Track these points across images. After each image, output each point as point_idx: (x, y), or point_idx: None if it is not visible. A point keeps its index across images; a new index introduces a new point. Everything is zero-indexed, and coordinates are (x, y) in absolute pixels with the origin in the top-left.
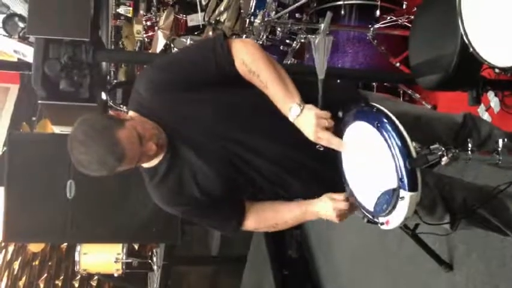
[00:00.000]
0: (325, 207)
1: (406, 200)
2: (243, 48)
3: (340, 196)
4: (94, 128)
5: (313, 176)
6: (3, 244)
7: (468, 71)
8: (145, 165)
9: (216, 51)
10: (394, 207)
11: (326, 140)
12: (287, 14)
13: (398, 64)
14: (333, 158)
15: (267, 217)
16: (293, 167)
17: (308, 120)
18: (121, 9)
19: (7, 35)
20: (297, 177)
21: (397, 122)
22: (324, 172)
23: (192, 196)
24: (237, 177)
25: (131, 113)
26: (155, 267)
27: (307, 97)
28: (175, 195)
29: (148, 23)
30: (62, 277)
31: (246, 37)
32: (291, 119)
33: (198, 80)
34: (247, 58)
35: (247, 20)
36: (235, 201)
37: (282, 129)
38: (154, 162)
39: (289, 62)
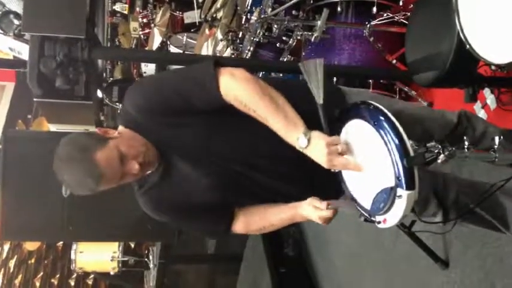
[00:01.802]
0: (310, 213)
1: (403, 199)
2: (233, 84)
3: (321, 205)
4: (75, 149)
5: (312, 183)
6: None
7: (464, 68)
8: None
9: (205, 88)
10: (391, 205)
11: (342, 166)
12: (283, 11)
13: (394, 61)
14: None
15: (255, 220)
16: (291, 176)
17: (319, 151)
18: (117, 7)
19: (2, 32)
20: (296, 185)
21: (394, 120)
22: (323, 179)
23: (181, 205)
24: (232, 190)
25: (121, 128)
26: (151, 266)
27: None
28: (163, 204)
29: (145, 20)
30: (58, 276)
31: (242, 34)
32: (299, 149)
33: (186, 110)
34: (240, 94)
35: (244, 17)
36: (224, 211)
37: (278, 142)
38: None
39: (285, 59)
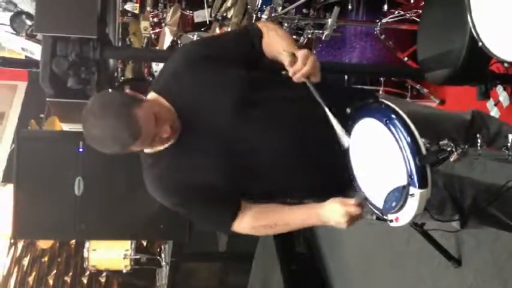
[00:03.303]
0: (333, 211)
1: (416, 197)
2: (270, 24)
3: (352, 201)
4: (112, 103)
5: (323, 177)
6: (12, 240)
7: (477, 66)
8: (148, 150)
9: (247, 32)
10: (403, 204)
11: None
12: (294, 10)
13: (406, 59)
14: (344, 161)
15: (265, 216)
16: (305, 169)
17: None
18: (128, 6)
19: (15, 32)
20: (305, 175)
21: (406, 118)
22: (337, 175)
23: (188, 188)
24: (240, 177)
25: (152, 94)
26: (163, 264)
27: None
28: (171, 185)
29: (155, 20)
30: (71, 273)
31: None
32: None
33: (230, 58)
34: (271, 27)
35: (254, 16)
36: (232, 199)
37: (297, 133)
38: (157, 148)
39: None
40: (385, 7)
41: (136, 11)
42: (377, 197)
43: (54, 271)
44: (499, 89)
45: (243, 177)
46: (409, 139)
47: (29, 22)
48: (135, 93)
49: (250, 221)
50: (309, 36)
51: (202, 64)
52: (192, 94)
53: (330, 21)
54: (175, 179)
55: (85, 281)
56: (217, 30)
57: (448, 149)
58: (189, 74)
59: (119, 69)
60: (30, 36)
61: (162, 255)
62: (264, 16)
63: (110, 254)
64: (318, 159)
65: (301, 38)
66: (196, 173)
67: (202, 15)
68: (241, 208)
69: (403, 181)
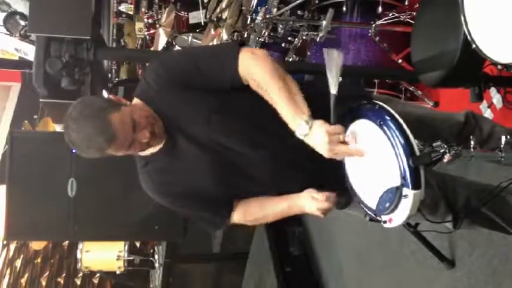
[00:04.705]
0: (308, 204)
1: (409, 198)
2: (252, 61)
3: (320, 196)
4: (89, 108)
5: (316, 180)
6: (5, 242)
7: (470, 68)
8: (141, 153)
9: (225, 65)
10: (397, 205)
11: (343, 154)
12: (289, 11)
13: (400, 61)
14: (335, 162)
15: (252, 211)
16: (296, 165)
17: (319, 139)
18: (122, 7)
19: (8, 33)
20: (299, 178)
21: (399, 119)
22: (325, 174)
23: (183, 188)
24: (232, 179)
25: (135, 100)
26: (157, 265)
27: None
28: (167, 186)
29: (150, 21)
30: (64, 274)
31: (247, 34)
32: (299, 136)
33: (201, 84)
34: (256, 71)
35: (249, 17)
36: (223, 202)
37: (280, 135)
38: (151, 150)
39: (290, 60)
40: (380, 9)
41: (131, 12)
42: (371, 198)
43: (47, 272)
44: (493, 91)
45: (233, 182)
46: (402, 140)
47: (22, 23)
48: (118, 99)
49: (240, 218)
50: (304, 37)
51: (183, 74)
52: (173, 101)
53: (324, 23)
54: (166, 182)
55: (78, 282)
56: (212, 32)
57: (442, 150)
58: (168, 82)
59: (113, 70)
60: (24, 37)
61: (156, 257)
62: (259, 18)
63: (103, 255)
64: (306, 160)
65: (296, 39)
66: (187, 177)
67: (197, 16)
68: (233, 208)
69: (397, 182)
